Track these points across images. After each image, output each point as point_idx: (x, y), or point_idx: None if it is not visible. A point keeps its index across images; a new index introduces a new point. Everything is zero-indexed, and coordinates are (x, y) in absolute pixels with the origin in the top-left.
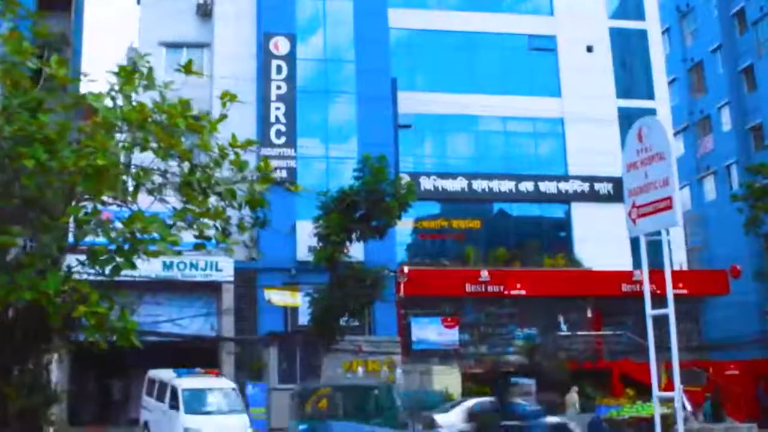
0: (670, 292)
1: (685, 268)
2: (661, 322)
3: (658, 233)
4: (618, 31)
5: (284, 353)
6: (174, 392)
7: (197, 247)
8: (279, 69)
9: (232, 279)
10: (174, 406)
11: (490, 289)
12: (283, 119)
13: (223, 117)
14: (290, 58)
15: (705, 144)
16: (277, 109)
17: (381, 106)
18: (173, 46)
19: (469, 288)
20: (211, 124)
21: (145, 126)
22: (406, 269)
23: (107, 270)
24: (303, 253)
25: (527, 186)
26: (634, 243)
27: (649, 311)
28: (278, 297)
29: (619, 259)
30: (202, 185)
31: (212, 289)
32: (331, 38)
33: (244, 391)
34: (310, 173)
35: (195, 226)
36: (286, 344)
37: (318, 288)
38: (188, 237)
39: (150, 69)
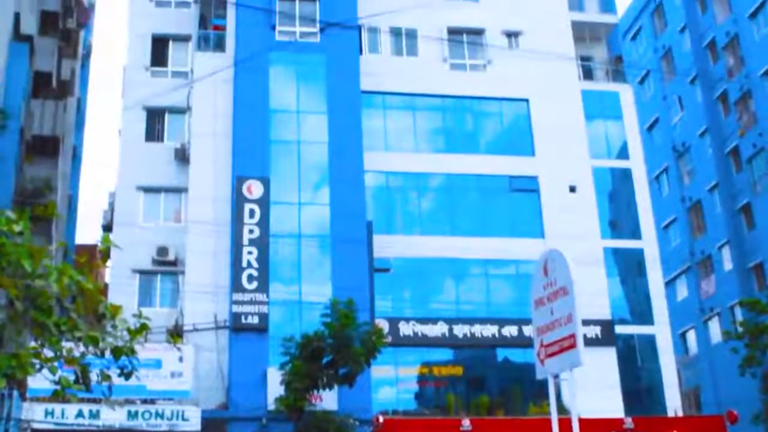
0: None
1: (680, 414)
2: None
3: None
4: (602, 170)
5: None
6: None
7: (55, 393)
8: (252, 213)
9: (198, 429)
10: None
11: None
12: (255, 264)
13: (105, 259)
14: (263, 201)
15: (708, 285)
16: (249, 253)
17: (356, 250)
18: (151, 190)
19: None
20: (64, 266)
21: None
22: (381, 418)
23: None
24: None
25: (511, 331)
26: (626, 389)
27: None
28: None
29: (610, 405)
30: (62, 328)
31: None
32: (305, 181)
33: None
34: (284, 318)
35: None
36: None
37: None
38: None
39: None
